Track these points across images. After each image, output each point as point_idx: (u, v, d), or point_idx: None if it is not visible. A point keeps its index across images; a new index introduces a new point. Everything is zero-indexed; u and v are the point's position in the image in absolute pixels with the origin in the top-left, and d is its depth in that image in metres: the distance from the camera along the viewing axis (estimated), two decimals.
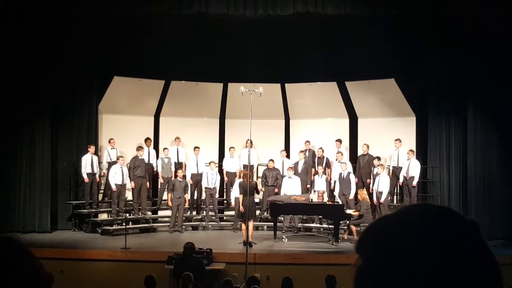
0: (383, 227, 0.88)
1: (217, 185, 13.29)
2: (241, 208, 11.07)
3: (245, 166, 12.26)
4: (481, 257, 0.83)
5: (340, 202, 11.95)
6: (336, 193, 12.42)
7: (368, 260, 0.86)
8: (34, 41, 11.88)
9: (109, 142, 13.10)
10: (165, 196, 13.14)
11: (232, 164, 13.73)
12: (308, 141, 13.70)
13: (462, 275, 0.80)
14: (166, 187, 13.14)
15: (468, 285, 0.80)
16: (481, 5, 11.27)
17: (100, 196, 13.14)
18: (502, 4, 11.23)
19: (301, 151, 13.40)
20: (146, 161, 13.07)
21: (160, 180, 13.28)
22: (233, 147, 13.79)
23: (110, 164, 12.87)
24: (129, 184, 12.87)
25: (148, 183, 13.01)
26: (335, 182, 12.75)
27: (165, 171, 13.24)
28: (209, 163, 13.32)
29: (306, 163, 13.21)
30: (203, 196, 13.37)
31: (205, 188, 13.18)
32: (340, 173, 12.49)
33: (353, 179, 12.40)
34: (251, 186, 11.02)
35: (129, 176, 12.75)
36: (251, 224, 10.86)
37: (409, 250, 0.82)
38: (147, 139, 13.45)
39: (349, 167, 12.75)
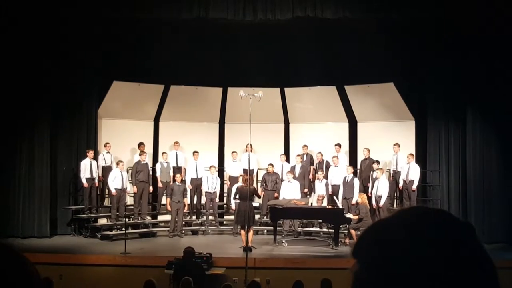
0: (380, 231, 0.88)
1: (217, 190, 13.29)
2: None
3: (245, 171, 12.26)
4: (478, 258, 0.83)
5: (341, 206, 11.92)
6: (339, 196, 12.42)
7: (365, 265, 0.85)
8: (33, 46, 11.88)
9: (105, 146, 13.11)
10: (164, 201, 13.14)
11: (234, 168, 13.73)
12: (305, 146, 13.73)
13: (460, 277, 0.80)
14: (165, 191, 13.14)
15: (465, 286, 0.80)
16: (480, 6, 11.28)
17: (100, 201, 13.15)
18: (502, 5, 11.23)
19: (298, 155, 13.42)
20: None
21: (159, 185, 13.28)
22: (235, 152, 13.83)
23: (105, 168, 12.87)
24: (130, 189, 12.87)
25: (151, 187, 13.01)
26: (332, 185, 12.80)
27: (163, 175, 13.24)
28: (209, 168, 13.33)
29: (303, 167, 13.22)
30: (203, 200, 13.36)
31: (205, 192, 13.17)
32: (345, 177, 12.49)
33: (357, 184, 12.38)
34: (250, 192, 10.98)
35: (131, 181, 12.76)
36: (250, 232, 10.82)
37: (406, 253, 0.81)
38: (140, 144, 13.41)
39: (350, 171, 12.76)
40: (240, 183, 11.59)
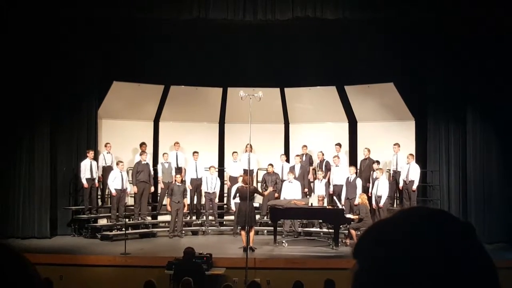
0: (380, 231, 0.88)
1: (217, 190, 13.29)
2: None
3: (245, 171, 12.26)
4: (478, 258, 0.83)
5: (341, 206, 11.91)
6: (342, 196, 12.41)
7: (366, 265, 0.85)
8: (33, 46, 11.88)
9: (105, 146, 13.11)
10: (165, 201, 13.13)
11: (235, 169, 13.72)
12: (305, 146, 13.73)
13: (460, 277, 0.80)
14: (166, 192, 13.13)
15: (465, 286, 0.80)
16: (480, 7, 11.27)
17: (100, 201, 13.15)
18: (501, 6, 11.23)
19: (297, 155, 13.42)
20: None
21: (161, 185, 13.26)
22: (236, 152, 13.83)
23: (105, 168, 12.87)
24: (130, 189, 12.86)
25: (152, 187, 13.01)
26: (333, 185, 12.80)
27: (165, 176, 13.23)
28: (209, 168, 13.33)
29: (303, 167, 13.22)
30: (203, 201, 13.36)
31: (205, 192, 13.17)
32: (348, 177, 12.49)
33: (359, 184, 12.38)
34: (250, 192, 10.97)
35: (132, 181, 12.77)
36: (251, 232, 10.80)
37: (406, 253, 0.81)
38: (142, 144, 13.42)
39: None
40: (240, 184, 11.58)
